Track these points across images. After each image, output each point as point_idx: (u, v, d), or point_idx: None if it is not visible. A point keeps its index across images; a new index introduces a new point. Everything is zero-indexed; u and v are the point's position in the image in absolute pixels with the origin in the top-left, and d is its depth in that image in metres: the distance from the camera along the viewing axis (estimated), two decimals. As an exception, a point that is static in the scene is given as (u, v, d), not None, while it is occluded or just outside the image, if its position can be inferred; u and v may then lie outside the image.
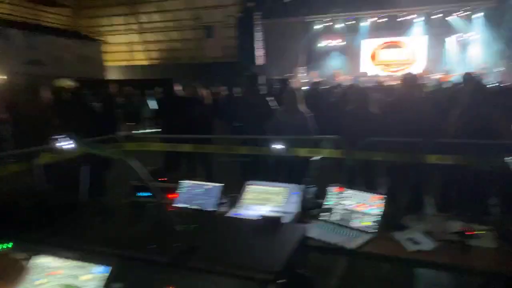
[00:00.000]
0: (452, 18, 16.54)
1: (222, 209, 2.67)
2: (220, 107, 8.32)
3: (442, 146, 3.72)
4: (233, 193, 2.88)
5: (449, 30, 16.91)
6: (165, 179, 3.07)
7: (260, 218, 1.43)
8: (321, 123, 5.77)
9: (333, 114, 5.50)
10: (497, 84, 9.08)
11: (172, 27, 20.52)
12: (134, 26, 21.04)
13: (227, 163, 5.27)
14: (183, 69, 18.99)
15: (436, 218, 2.41)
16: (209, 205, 2.63)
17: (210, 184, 2.74)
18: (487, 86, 5.47)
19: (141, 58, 21.91)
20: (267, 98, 5.33)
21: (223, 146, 4.54)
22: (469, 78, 5.68)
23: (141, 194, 2.74)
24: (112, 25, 21.44)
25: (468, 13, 16.06)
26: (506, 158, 2.63)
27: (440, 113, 4.06)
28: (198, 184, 2.78)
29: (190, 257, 1.13)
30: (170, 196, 2.81)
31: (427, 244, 2.08)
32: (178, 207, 2.69)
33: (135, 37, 21.37)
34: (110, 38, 21.75)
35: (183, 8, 19.41)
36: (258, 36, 18.47)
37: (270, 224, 1.31)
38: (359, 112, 4.28)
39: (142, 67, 21.38)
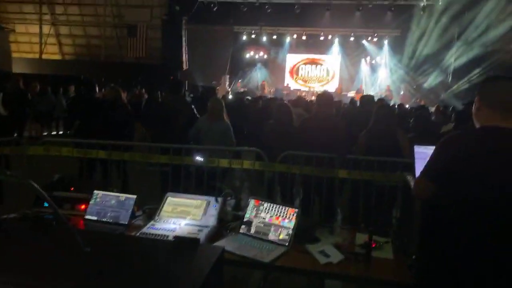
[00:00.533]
0: (365, 42, 18.14)
1: (137, 222, 2.55)
2: (141, 112, 8.01)
3: (352, 162, 4.04)
4: (150, 205, 2.78)
5: (362, 52, 18.49)
6: (72, 188, 2.86)
7: (174, 237, 1.39)
8: (244, 134, 5.88)
9: (256, 126, 5.63)
10: (396, 105, 10.11)
11: (91, 22, 19.30)
12: (47, 17, 19.33)
13: (146, 173, 5.06)
14: (101, 67, 17.92)
15: (345, 231, 2.58)
16: (123, 218, 2.50)
17: (124, 196, 2.61)
18: (391, 107, 6.08)
19: (54, 52, 20.18)
20: (192, 106, 5.27)
21: (141, 154, 4.36)
22: (367, 99, 6.15)
23: (46, 204, 2.51)
24: (21, 12, 19.44)
25: (376, 39, 17.73)
26: (404, 173, 2.92)
27: (351, 131, 4.40)
28: (111, 195, 2.62)
29: (97, 282, 1.05)
30: (80, 207, 2.62)
31: (336, 256, 2.22)
32: (89, 220, 2.52)
33: (47, 29, 19.62)
34: (18, 27, 19.69)
35: (104, 3, 18.39)
36: (185, 41, 18.22)
37: (184, 245, 1.28)
38: (281, 126, 4.43)
39: (55, 62, 19.70)
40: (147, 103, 9.55)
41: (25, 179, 1.19)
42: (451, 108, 9.68)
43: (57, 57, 20.20)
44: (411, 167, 2.78)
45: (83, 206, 2.64)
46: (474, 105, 1.91)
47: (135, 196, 2.59)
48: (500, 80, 1.86)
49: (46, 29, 19.65)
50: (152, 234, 2.32)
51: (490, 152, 1.70)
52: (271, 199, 2.82)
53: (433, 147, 2.67)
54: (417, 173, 2.70)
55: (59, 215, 1.19)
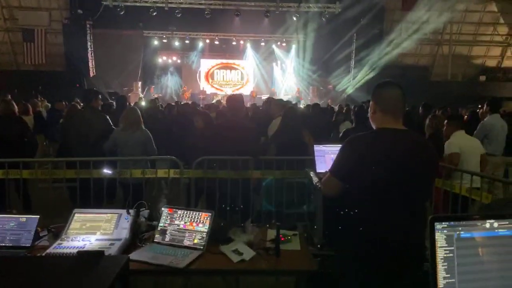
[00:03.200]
0: (275, 47, 18.96)
1: (42, 243, 2.41)
2: (42, 123, 7.39)
3: (265, 162, 4.26)
4: (55, 224, 2.64)
5: (273, 56, 19.30)
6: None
7: (77, 252, 1.38)
8: (162, 142, 5.78)
9: (175, 133, 5.59)
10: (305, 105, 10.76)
11: (-23, 26, 17.19)
12: None
13: (51, 190, 4.71)
14: (-7, 76, 16.07)
15: (257, 228, 2.73)
16: (25, 241, 2.34)
17: (24, 217, 2.44)
18: (296, 109, 6.48)
19: None
20: (107, 116, 5.02)
21: (44, 171, 4.06)
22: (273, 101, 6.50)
23: None
24: None
25: (284, 44, 18.68)
26: (306, 169, 3.18)
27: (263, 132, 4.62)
28: (9, 217, 2.44)
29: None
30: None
31: (248, 253, 2.35)
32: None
33: None
34: None
35: (-7, 5, 16.55)
36: (90, 46, 17.14)
37: (87, 258, 1.28)
38: (201, 131, 4.47)
39: None
40: (50, 114, 8.85)
41: None
42: (353, 107, 10.59)
43: None
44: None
45: (-24, 233, 2.40)
46: (370, 109, 2.18)
47: (37, 216, 2.44)
48: (389, 87, 2.14)
49: None
50: (59, 253, 2.21)
51: (388, 150, 2.00)
52: (189, 205, 2.86)
53: (330, 146, 2.96)
54: (317, 169, 2.98)
55: None
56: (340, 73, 17.12)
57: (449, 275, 1.12)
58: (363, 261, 2.01)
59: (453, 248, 1.13)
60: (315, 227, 2.76)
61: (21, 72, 17.24)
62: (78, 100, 9.24)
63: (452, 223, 1.15)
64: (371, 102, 2.18)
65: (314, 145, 3.00)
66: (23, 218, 2.43)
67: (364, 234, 2.01)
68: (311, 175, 3.01)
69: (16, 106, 5.43)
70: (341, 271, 2.17)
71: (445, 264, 1.12)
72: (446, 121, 4.60)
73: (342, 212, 2.16)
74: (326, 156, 2.94)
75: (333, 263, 2.41)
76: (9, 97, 7.54)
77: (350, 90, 16.45)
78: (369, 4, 15.27)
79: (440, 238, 1.14)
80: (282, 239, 2.49)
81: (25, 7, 16.88)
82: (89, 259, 1.25)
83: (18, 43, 17.35)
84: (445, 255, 1.13)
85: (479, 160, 4.30)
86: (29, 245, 2.33)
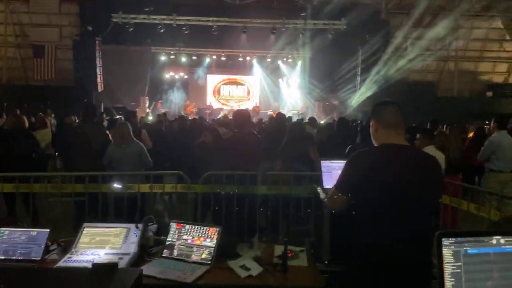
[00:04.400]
0: (280, 63, 19.15)
1: (52, 257, 2.43)
2: (53, 138, 7.47)
3: (272, 177, 4.28)
4: (65, 238, 2.67)
5: (279, 72, 19.48)
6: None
7: (92, 265, 1.41)
8: (166, 156, 5.83)
9: (180, 148, 5.65)
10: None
11: (-11, 42, 17.56)
12: None
13: (59, 204, 4.74)
14: (3, 91, 16.34)
15: (264, 244, 2.74)
16: (35, 254, 2.37)
17: (35, 230, 2.48)
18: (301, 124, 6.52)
19: None
20: (107, 132, 5.11)
21: (54, 185, 4.11)
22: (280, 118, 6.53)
23: None
24: None
25: (290, 60, 18.87)
26: (314, 185, 3.19)
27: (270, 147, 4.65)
28: (19, 231, 2.47)
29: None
30: (-17, 247, 2.41)
31: (256, 269, 2.36)
32: (-5, 260, 2.33)
33: None
34: None
35: (4, 22, 16.91)
36: (98, 62, 17.43)
37: (102, 271, 1.31)
38: (208, 147, 4.52)
39: None
40: (58, 129, 8.97)
41: None
42: (358, 122, 10.63)
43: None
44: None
45: (-14, 246, 2.44)
46: (371, 127, 2.23)
47: (48, 230, 2.47)
48: (389, 105, 2.21)
49: None
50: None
51: (390, 164, 2.04)
52: (195, 220, 2.88)
53: (337, 161, 2.99)
54: (324, 185, 3.00)
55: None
56: (346, 89, 17.20)
57: (457, 292, 1.13)
58: (369, 278, 2.01)
59: (460, 264, 1.14)
60: (322, 243, 2.76)
61: (31, 87, 17.52)
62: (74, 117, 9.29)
63: (459, 239, 1.16)
64: (372, 121, 2.23)
65: (321, 161, 3.03)
66: (33, 231, 2.46)
67: (369, 250, 2.02)
68: (318, 190, 3.02)
69: (25, 121, 5.52)
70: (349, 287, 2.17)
71: (453, 280, 1.13)
72: (418, 135, 4.73)
73: (348, 228, 2.18)
74: (333, 172, 2.96)
75: (340, 280, 2.40)
76: (18, 112, 7.67)
77: (356, 106, 16.49)
78: (375, 20, 15.44)
79: (447, 254, 1.15)
80: (290, 255, 2.50)
81: (36, 24, 17.26)
82: (103, 271, 1.28)
83: (29, 58, 17.68)
84: (452, 271, 1.14)
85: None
86: (39, 258, 2.35)
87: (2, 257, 2.35)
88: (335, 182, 2.22)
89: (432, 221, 2.16)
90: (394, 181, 2.00)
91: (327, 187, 2.91)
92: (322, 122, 11.03)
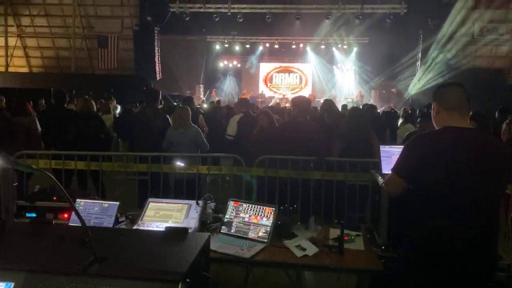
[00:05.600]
0: (335, 50, 18.67)
1: (121, 227, 2.63)
2: (116, 122, 7.97)
3: (326, 163, 4.25)
4: (131, 212, 2.87)
5: (334, 59, 19.02)
6: (54, 198, 2.90)
7: (165, 228, 1.52)
8: (221, 140, 5.98)
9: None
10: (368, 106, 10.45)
11: (59, 34, 18.92)
12: (13, 29, 18.84)
13: (121, 183, 5.07)
14: (71, 79, 17.61)
15: (320, 227, 2.75)
16: (107, 224, 2.58)
17: (107, 203, 2.69)
18: (361, 109, 6.35)
19: (20, 65, 19.64)
20: (167, 116, 5.35)
21: (120, 164, 4.41)
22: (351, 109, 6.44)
23: (28, 215, 2.56)
24: (-16, 25, 18.88)
25: (346, 46, 18.31)
26: (373, 171, 3.13)
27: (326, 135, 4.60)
28: (93, 202, 2.70)
29: (100, 266, 1.17)
30: (63, 215, 2.67)
31: (311, 249, 2.38)
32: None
33: (13, 41, 19.10)
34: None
35: (73, 14, 18.12)
36: (157, 51, 18.17)
37: (175, 233, 1.42)
38: (264, 132, 4.58)
39: (22, 74, 19.16)
40: (121, 114, 9.51)
41: (45, 172, 1.39)
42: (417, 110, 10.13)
43: (25, 70, 19.66)
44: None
45: (66, 215, 2.70)
46: (432, 110, 2.13)
47: (118, 203, 2.67)
48: (451, 86, 2.10)
49: (12, 41, 19.13)
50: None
51: (452, 148, 1.94)
52: (250, 200, 2.97)
53: (396, 147, 2.90)
54: (383, 170, 2.93)
55: (72, 205, 1.32)
56: (404, 76, 16.44)
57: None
58: (427, 266, 1.94)
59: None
60: (379, 228, 2.71)
61: (96, 75, 18.69)
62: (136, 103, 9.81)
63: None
64: (433, 103, 2.12)
65: (380, 146, 2.95)
66: (105, 203, 2.67)
67: (428, 237, 1.96)
68: (377, 176, 2.96)
69: (94, 105, 5.93)
70: (404, 275, 2.12)
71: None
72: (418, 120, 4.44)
73: (406, 213, 2.12)
74: (392, 157, 2.87)
75: (397, 266, 2.35)
76: (87, 97, 8.25)
77: (415, 93, 15.72)
78: (437, 3, 14.52)
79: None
80: (346, 238, 2.49)
81: (100, 15, 18.31)
82: (175, 234, 1.39)
83: (94, 49, 18.83)
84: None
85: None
86: (110, 227, 2.55)
87: (79, 225, 2.58)
88: (393, 166, 2.17)
89: (498, 210, 2.02)
90: (456, 164, 1.90)
91: (386, 172, 2.84)
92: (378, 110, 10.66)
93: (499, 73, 17.18)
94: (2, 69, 19.31)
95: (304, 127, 4.24)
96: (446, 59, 14.96)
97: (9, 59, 19.21)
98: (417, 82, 15.91)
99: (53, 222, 2.58)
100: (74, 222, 2.60)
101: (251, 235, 2.54)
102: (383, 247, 2.62)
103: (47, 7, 18.31)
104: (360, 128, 4.33)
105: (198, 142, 4.76)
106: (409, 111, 9.48)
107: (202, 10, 16.35)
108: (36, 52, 19.55)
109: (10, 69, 19.37)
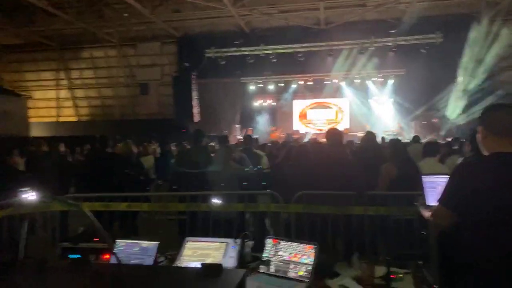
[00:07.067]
0: (370, 83, 18.54)
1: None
2: (157, 164, 8.22)
3: (369, 198, 4.09)
4: (170, 251, 2.86)
5: (369, 92, 18.86)
6: (96, 239, 2.96)
7: (201, 264, 1.50)
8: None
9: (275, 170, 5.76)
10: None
11: (104, 84, 20.28)
12: (64, 82, 20.43)
13: (164, 222, 5.13)
14: (116, 125, 18.61)
15: (364, 264, 2.60)
16: (147, 264, 2.57)
17: (146, 243, 2.70)
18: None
19: (70, 115, 21.07)
20: (211, 153, 5.46)
21: (159, 204, 4.48)
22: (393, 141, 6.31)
23: (72, 256, 2.61)
24: (39, 80, 20.63)
25: (382, 79, 18.14)
26: (415, 203, 2.96)
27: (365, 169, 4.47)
28: (133, 243, 2.72)
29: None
30: (104, 257, 2.71)
31: (356, 289, 2.24)
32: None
33: (64, 93, 20.66)
34: (37, 94, 20.79)
35: (117, 65, 19.45)
36: (194, 95, 18.94)
37: (211, 269, 1.39)
38: (299, 167, 4.53)
39: (71, 123, 20.51)
40: (161, 155, 9.81)
41: (82, 208, 1.36)
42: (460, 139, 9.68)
43: (73, 119, 21.05)
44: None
45: (107, 256, 2.73)
46: (479, 134, 2.01)
47: (157, 243, 2.68)
48: (501, 108, 1.98)
49: (62, 93, 20.69)
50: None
51: (503, 176, 1.81)
52: (288, 237, 2.87)
53: (441, 176, 2.75)
54: (429, 201, 2.76)
55: (110, 245, 1.33)
56: (445, 105, 15.92)
57: None
58: None
59: None
60: (430, 265, 2.52)
61: (138, 120, 19.64)
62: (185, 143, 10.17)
63: None
64: (480, 127, 2.00)
65: (422, 177, 2.81)
66: (145, 243, 2.68)
67: (481, 274, 1.79)
68: (421, 209, 2.79)
69: (133, 148, 6.18)
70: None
71: None
72: None
73: (457, 248, 1.96)
74: (438, 188, 2.71)
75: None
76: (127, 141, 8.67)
77: (460, 122, 15.12)
78: (478, 30, 14.22)
79: None
80: (393, 276, 2.33)
81: (142, 64, 19.51)
82: (211, 270, 1.36)
83: (136, 96, 19.93)
84: None
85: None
86: (149, 268, 2.55)
87: (119, 266, 2.60)
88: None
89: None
90: (508, 194, 1.76)
91: (431, 204, 2.67)
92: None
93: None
94: (54, 119, 20.81)
95: (338, 159, 4.14)
96: (485, 85, 14.43)
97: (59, 109, 20.72)
98: (460, 111, 15.34)
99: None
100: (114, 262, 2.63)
101: (292, 274, 2.44)
102: (435, 286, 2.41)
103: (92, 60, 19.82)
104: (408, 160, 4.18)
105: (236, 181, 4.76)
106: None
107: (236, 53, 17.00)
108: (84, 101, 20.95)
109: (60, 119, 20.82)
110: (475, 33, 14.15)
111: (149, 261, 2.58)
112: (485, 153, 1.98)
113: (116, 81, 19.87)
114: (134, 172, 5.52)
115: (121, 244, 2.70)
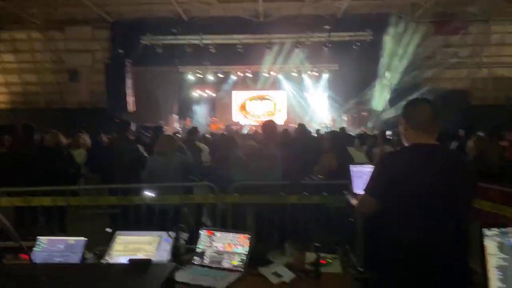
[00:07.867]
0: (306, 77, 19.13)
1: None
2: (88, 156, 7.74)
3: (302, 187, 4.23)
4: (99, 247, 2.73)
5: (305, 86, 19.45)
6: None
7: (128, 260, 1.44)
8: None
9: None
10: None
11: (28, 69, 18.58)
12: (-21, 66, 18.40)
13: (93, 216, 4.87)
14: (41, 114, 17.16)
15: (296, 251, 2.69)
16: (72, 262, 2.43)
17: (72, 239, 2.54)
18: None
19: (-14, 102, 19.06)
20: (138, 146, 5.25)
21: (88, 198, 4.24)
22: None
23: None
24: None
25: (316, 74, 18.80)
26: (344, 192, 3.13)
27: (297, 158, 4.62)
28: (58, 239, 2.55)
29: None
30: (24, 255, 2.50)
31: (288, 275, 2.32)
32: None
33: (-20, 78, 18.62)
34: None
35: (42, 49, 17.92)
36: (129, 83, 18.07)
37: (138, 265, 1.34)
38: (228, 157, 4.55)
39: (-11, 112, 18.57)
40: (92, 148, 9.28)
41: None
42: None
43: (-9, 106, 19.07)
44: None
45: (27, 255, 2.52)
46: (400, 126, 2.17)
47: (85, 239, 2.54)
48: (420, 103, 2.14)
49: (-22, 78, 18.64)
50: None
51: (422, 164, 1.98)
52: (224, 228, 2.88)
53: (366, 166, 2.92)
54: (355, 189, 2.93)
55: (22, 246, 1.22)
56: (374, 99, 16.95)
57: (505, 286, 1.06)
58: (402, 285, 1.94)
59: (508, 257, 1.08)
60: (356, 250, 2.68)
61: (66, 109, 18.31)
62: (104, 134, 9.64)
63: (503, 229, 1.10)
64: (401, 120, 2.16)
65: (351, 166, 2.97)
66: (71, 240, 2.53)
67: (401, 256, 1.96)
68: (349, 197, 2.96)
69: (62, 138, 5.76)
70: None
71: (500, 273, 1.07)
72: None
73: (380, 233, 2.11)
74: (364, 177, 2.88)
75: (374, 286, 2.32)
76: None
77: (388, 115, 16.19)
78: (401, 29, 15.26)
79: (491, 246, 1.09)
80: (322, 262, 2.44)
81: (71, 49, 18.16)
82: (139, 266, 1.31)
83: (65, 83, 18.54)
84: (498, 264, 1.08)
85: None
86: (75, 265, 2.41)
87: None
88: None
89: (467, 225, 2.04)
90: (425, 182, 1.94)
91: (358, 192, 2.84)
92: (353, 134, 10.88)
93: (462, 94, 17.98)
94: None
95: (268, 151, 4.25)
96: (412, 82, 15.59)
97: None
98: (388, 105, 16.41)
99: (13, 263, 2.44)
100: (40, 260, 2.44)
101: (226, 264, 2.45)
102: (360, 269, 2.58)
103: (14, 43, 18.06)
104: (343, 151, 4.39)
105: (186, 169, 4.63)
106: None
107: (174, 42, 16.50)
108: (3, 88, 19.05)
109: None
110: (401, 33, 15.20)
111: (75, 258, 2.43)
112: (406, 144, 2.14)
113: (41, 66, 18.30)
114: (64, 165, 5.14)
115: (43, 241, 2.52)
